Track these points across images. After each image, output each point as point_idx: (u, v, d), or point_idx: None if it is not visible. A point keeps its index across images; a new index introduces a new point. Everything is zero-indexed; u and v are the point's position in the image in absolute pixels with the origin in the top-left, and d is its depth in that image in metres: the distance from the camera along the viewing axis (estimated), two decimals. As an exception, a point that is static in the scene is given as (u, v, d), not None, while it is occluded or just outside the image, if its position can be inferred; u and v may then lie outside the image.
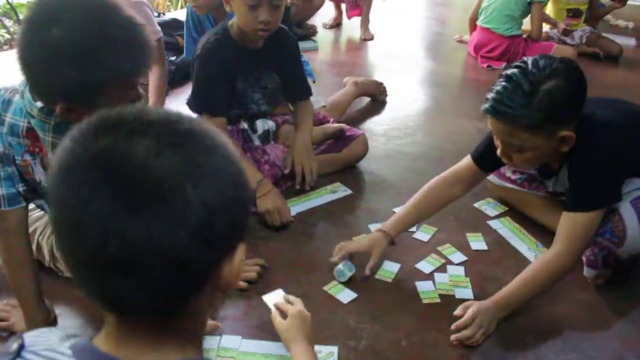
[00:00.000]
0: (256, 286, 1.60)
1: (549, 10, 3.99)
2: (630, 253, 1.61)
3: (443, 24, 4.71)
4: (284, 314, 1.29)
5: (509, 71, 1.45)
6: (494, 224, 1.96)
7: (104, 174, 0.55)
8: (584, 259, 1.62)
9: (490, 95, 1.45)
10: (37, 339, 0.68)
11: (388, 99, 2.98)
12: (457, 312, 1.48)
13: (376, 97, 2.96)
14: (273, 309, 1.34)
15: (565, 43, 3.88)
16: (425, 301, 1.60)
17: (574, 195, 1.53)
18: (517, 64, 1.46)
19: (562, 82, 1.39)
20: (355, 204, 2.07)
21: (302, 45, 3.62)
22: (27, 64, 1.11)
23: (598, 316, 1.59)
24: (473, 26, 3.85)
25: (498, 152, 1.54)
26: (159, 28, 2.45)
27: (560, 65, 1.40)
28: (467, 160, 1.75)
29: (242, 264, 0.66)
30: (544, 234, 1.88)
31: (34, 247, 1.57)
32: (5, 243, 1.38)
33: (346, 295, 1.60)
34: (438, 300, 1.61)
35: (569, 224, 1.51)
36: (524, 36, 3.68)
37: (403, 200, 1.93)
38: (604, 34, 4.07)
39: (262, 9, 1.80)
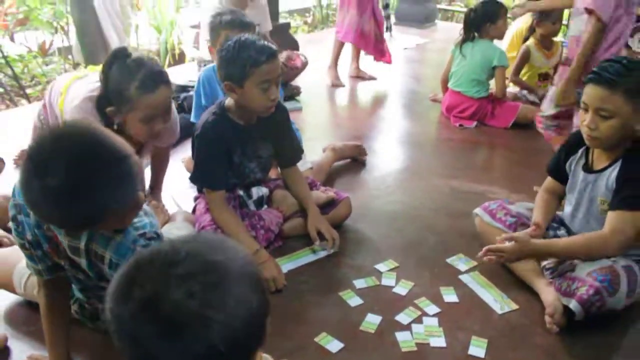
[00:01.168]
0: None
1: (523, 74, 4.29)
2: (615, 307, 1.85)
3: (418, 82, 5.01)
4: None
5: (609, 60, 1.89)
6: (464, 278, 2.18)
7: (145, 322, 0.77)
8: (580, 295, 1.81)
9: (595, 69, 1.86)
10: None
11: (368, 159, 3.23)
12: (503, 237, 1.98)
13: (356, 159, 3.21)
14: None
15: (532, 103, 4.17)
16: (403, 349, 1.81)
17: (625, 193, 1.85)
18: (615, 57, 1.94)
19: None
20: (340, 261, 2.28)
21: (287, 105, 3.91)
22: (33, 205, 1.25)
23: (555, 358, 1.82)
24: (444, 86, 4.15)
25: (586, 121, 1.88)
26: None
27: None
28: (548, 178, 2.21)
29: None
30: (509, 287, 2.12)
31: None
32: (47, 301, 1.60)
33: (335, 346, 1.81)
34: (415, 348, 1.82)
35: (618, 219, 1.85)
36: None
37: (384, 256, 2.18)
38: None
39: (272, 88, 2.09)
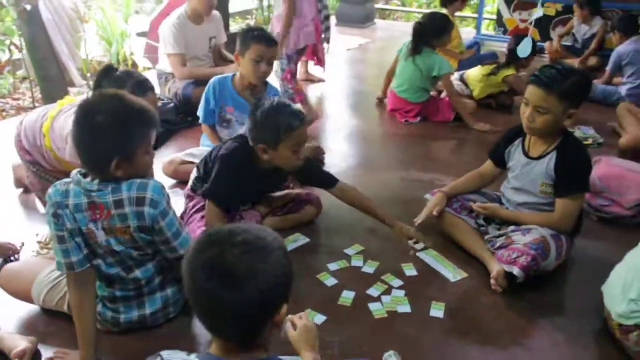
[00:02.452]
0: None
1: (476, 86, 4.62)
2: (547, 269, 2.28)
3: (363, 82, 5.38)
4: (294, 326, 1.65)
5: (549, 65, 2.32)
6: (420, 255, 2.56)
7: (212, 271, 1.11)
8: (521, 263, 2.20)
9: (536, 73, 2.27)
10: (171, 354, 1.21)
11: (326, 157, 3.56)
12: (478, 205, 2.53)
13: (315, 158, 3.53)
14: (288, 322, 1.68)
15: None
16: (376, 317, 2.16)
17: (567, 184, 2.33)
18: (555, 61, 2.36)
19: (582, 78, 2.29)
20: (314, 249, 2.62)
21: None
22: (82, 141, 1.75)
23: (500, 314, 2.21)
24: (387, 84, 4.53)
25: (525, 116, 2.32)
26: None
27: (582, 71, 2.46)
28: (487, 161, 2.66)
29: None
30: (459, 259, 2.51)
31: (66, 305, 2.03)
32: (78, 296, 1.86)
33: (319, 319, 2.14)
34: (386, 315, 2.18)
35: (564, 205, 2.34)
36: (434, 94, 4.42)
37: (350, 242, 2.54)
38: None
39: (302, 149, 2.36)
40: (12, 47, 5.36)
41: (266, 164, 2.42)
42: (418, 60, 4.18)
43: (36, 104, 6.14)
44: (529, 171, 2.44)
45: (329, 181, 2.65)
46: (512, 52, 4.30)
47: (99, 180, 1.78)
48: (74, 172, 1.85)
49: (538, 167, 2.40)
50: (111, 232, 1.83)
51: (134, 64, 6.41)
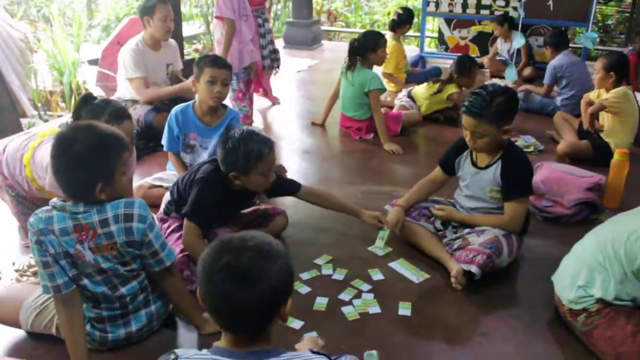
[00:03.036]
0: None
1: (423, 103, 4.87)
2: (500, 265, 2.51)
3: (314, 102, 5.57)
4: None
5: (477, 90, 2.54)
6: (385, 260, 2.76)
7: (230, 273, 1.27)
8: (478, 261, 2.43)
9: (466, 103, 2.51)
10: (184, 351, 1.35)
11: (288, 175, 3.71)
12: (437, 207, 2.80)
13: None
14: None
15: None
16: (350, 319, 2.33)
17: (513, 189, 2.58)
18: (482, 86, 2.58)
19: (506, 97, 2.49)
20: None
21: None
22: (61, 171, 1.87)
23: (462, 309, 2.42)
24: (331, 105, 4.76)
25: (467, 139, 2.58)
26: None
27: (505, 89, 2.54)
28: (437, 168, 2.87)
29: None
30: (420, 262, 2.71)
31: (54, 328, 2.12)
32: (67, 315, 1.97)
33: (297, 324, 2.29)
34: (358, 317, 2.35)
35: (512, 208, 2.58)
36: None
37: (319, 252, 2.71)
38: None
39: (272, 174, 2.51)
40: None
41: (239, 186, 2.57)
42: (353, 77, 4.36)
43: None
44: (478, 180, 2.68)
45: (293, 187, 2.86)
46: (455, 71, 4.61)
47: (83, 203, 1.91)
48: (54, 200, 1.95)
49: (486, 175, 2.64)
50: (98, 250, 1.95)
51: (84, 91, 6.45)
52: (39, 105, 6.36)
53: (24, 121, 6.12)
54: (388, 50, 4.85)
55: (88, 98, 2.45)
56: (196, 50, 9.25)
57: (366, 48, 4.35)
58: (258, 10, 4.97)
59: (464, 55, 4.93)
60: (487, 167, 2.64)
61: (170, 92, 4.24)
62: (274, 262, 1.30)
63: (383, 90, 4.40)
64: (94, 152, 1.86)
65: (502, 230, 2.58)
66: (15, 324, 2.20)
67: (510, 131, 2.54)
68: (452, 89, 4.65)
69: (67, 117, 4.34)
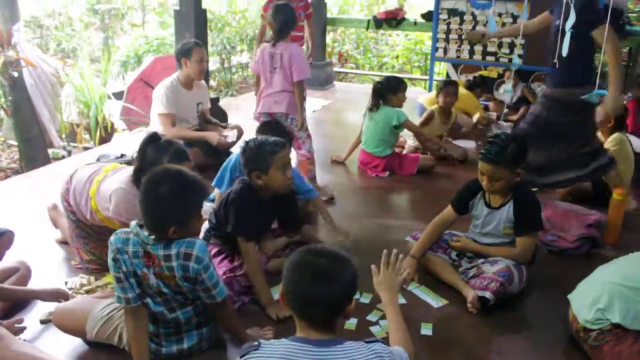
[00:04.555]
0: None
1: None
2: (512, 292, 2.80)
3: (331, 140, 5.83)
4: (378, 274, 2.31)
5: (491, 139, 2.86)
6: (409, 288, 3.03)
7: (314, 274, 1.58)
8: (492, 288, 2.71)
9: (483, 151, 2.81)
10: (266, 342, 1.63)
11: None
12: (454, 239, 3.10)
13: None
14: (374, 268, 2.32)
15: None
16: (378, 337, 2.59)
17: (524, 225, 2.88)
18: (494, 135, 2.93)
19: (518, 144, 2.81)
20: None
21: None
22: (148, 208, 2.14)
23: (477, 330, 2.69)
24: (355, 146, 5.08)
25: (484, 183, 2.85)
26: None
27: (515, 137, 2.89)
28: (448, 208, 3.09)
29: None
30: (439, 289, 2.99)
31: (116, 337, 2.38)
32: (135, 325, 2.25)
33: (331, 339, 2.56)
34: (385, 335, 2.60)
35: (524, 242, 2.89)
36: (397, 150, 4.99)
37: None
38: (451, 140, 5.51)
39: (288, 169, 2.82)
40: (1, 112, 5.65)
41: (265, 193, 2.86)
42: (376, 116, 4.76)
43: (14, 165, 6.42)
44: (492, 219, 2.98)
45: (298, 222, 3.30)
46: None
47: (155, 236, 2.17)
48: (134, 223, 2.23)
49: (499, 215, 2.95)
50: (160, 277, 2.21)
51: (112, 126, 6.77)
52: (63, 136, 6.66)
53: (50, 151, 6.44)
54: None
55: (153, 138, 2.73)
56: (211, 87, 9.63)
57: (388, 90, 4.74)
58: None
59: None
60: (500, 207, 2.94)
61: (194, 136, 4.54)
62: (347, 265, 1.63)
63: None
64: (176, 198, 2.11)
65: (514, 259, 2.87)
66: (79, 333, 2.45)
67: (520, 173, 2.87)
68: None
69: (109, 151, 4.64)
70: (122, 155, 4.32)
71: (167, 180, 2.13)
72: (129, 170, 2.87)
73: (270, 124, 3.72)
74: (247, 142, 2.86)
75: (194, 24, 5.34)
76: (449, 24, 7.03)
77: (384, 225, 3.85)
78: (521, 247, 2.89)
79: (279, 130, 3.44)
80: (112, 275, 2.23)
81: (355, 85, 9.61)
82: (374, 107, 4.78)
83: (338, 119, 6.66)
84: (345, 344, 1.64)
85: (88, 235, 3.12)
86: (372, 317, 2.76)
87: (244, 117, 6.22)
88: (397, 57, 10.73)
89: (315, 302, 1.60)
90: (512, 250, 2.92)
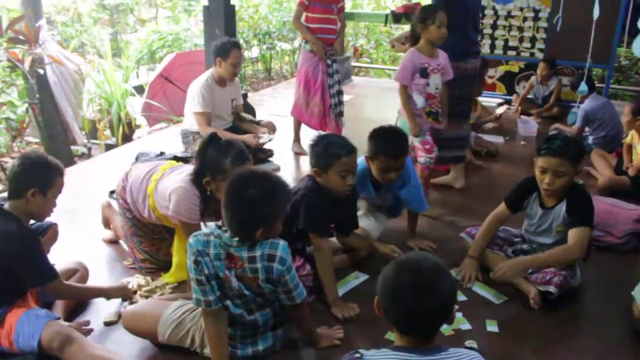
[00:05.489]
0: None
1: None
2: (574, 286, 2.85)
3: (360, 136, 5.84)
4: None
5: (552, 135, 2.91)
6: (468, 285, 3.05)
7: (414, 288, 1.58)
8: (556, 282, 2.76)
9: (545, 147, 2.78)
10: (364, 351, 1.64)
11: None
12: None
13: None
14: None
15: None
16: (446, 334, 2.62)
17: (578, 220, 2.82)
18: (552, 134, 2.94)
19: (579, 144, 2.87)
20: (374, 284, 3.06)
21: (264, 166, 4.63)
22: (235, 211, 2.12)
23: (541, 325, 2.72)
24: None
25: (545, 181, 2.80)
26: None
27: (574, 138, 2.91)
28: (502, 206, 3.07)
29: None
30: (499, 286, 2.99)
31: (188, 340, 2.39)
32: (215, 328, 2.25)
33: (401, 337, 2.58)
34: (453, 332, 2.64)
35: (577, 234, 2.80)
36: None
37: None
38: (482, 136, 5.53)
39: (349, 176, 2.79)
40: (30, 111, 5.63)
41: (329, 192, 2.84)
42: None
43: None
44: (546, 219, 2.98)
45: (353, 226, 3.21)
46: None
47: (238, 239, 2.16)
48: (214, 225, 2.22)
49: (553, 214, 2.94)
50: (242, 279, 2.21)
51: (134, 122, 6.76)
52: (83, 133, 6.65)
53: (73, 148, 6.43)
54: None
55: (214, 138, 2.71)
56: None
57: None
58: (327, 52, 5.03)
59: None
60: (554, 206, 2.93)
61: (229, 137, 4.48)
62: (444, 277, 1.60)
63: None
64: (265, 201, 2.10)
65: (568, 256, 2.85)
66: (150, 335, 2.45)
67: (580, 172, 2.89)
68: None
69: (146, 149, 4.60)
70: (161, 153, 4.31)
71: (254, 183, 2.12)
72: (188, 168, 2.87)
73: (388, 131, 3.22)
74: (320, 137, 2.84)
75: (223, 19, 5.32)
76: (469, 18, 7.03)
77: (431, 222, 3.83)
78: (574, 240, 2.82)
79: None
80: (192, 278, 2.22)
81: (373, 80, 9.59)
82: None
83: (361, 115, 6.64)
84: (450, 350, 1.63)
85: (143, 234, 3.12)
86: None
87: (267, 113, 6.22)
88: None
89: (419, 318, 1.57)
90: (566, 247, 2.86)
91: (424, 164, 3.84)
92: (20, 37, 5.33)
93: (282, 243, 2.20)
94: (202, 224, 2.78)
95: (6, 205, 2.48)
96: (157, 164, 3.06)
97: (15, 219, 2.42)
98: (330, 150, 2.76)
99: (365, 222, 3.48)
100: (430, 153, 3.82)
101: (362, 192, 3.30)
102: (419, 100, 3.79)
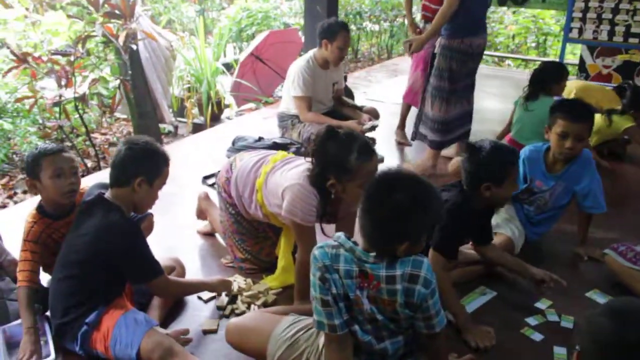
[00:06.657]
0: None
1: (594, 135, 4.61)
2: None
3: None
4: None
5: (571, 101, 3.16)
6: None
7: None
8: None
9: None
10: None
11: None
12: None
13: None
14: None
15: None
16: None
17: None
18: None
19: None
20: (504, 302, 2.69)
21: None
22: (367, 216, 1.76)
23: None
24: (504, 133, 4.61)
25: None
26: None
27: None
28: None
29: None
30: None
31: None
32: (340, 356, 1.89)
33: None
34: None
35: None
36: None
37: (537, 296, 2.58)
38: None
39: (517, 184, 2.53)
40: (122, 87, 5.51)
41: (480, 205, 2.50)
42: (534, 106, 4.20)
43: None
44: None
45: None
46: (630, 105, 4.42)
47: (375, 253, 1.79)
48: (343, 236, 1.85)
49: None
50: (375, 301, 1.83)
51: (223, 102, 6.57)
52: (171, 111, 6.52)
53: (161, 126, 6.31)
54: None
55: (332, 132, 2.34)
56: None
57: (551, 78, 4.20)
58: None
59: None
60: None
61: (333, 125, 4.15)
62: None
63: None
64: (415, 208, 1.72)
65: None
66: (258, 354, 2.14)
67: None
68: (627, 122, 4.42)
69: (243, 133, 4.34)
70: (260, 139, 4.04)
71: (403, 187, 1.73)
72: (303, 163, 2.52)
73: None
74: (478, 146, 2.45)
75: (325, -4, 4.99)
76: (587, 1, 6.38)
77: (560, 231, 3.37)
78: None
79: None
80: (315, 297, 1.87)
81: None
82: (531, 95, 4.25)
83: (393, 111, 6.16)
84: None
85: (246, 232, 2.84)
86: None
87: (363, 97, 5.85)
88: (512, 36, 10.01)
89: None
90: None
91: None
92: (116, 11, 5.18)
93: (426, 261, 1.80)
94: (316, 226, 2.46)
95: (108, 194, 2.25)
96: (266, 154, 2.75)
97: (117, 209, 2.22)
98: (503, 159, 2.43)
99: (508, 231, 3.04)
100: None
101: (536, 176, 3.04)
102: None
